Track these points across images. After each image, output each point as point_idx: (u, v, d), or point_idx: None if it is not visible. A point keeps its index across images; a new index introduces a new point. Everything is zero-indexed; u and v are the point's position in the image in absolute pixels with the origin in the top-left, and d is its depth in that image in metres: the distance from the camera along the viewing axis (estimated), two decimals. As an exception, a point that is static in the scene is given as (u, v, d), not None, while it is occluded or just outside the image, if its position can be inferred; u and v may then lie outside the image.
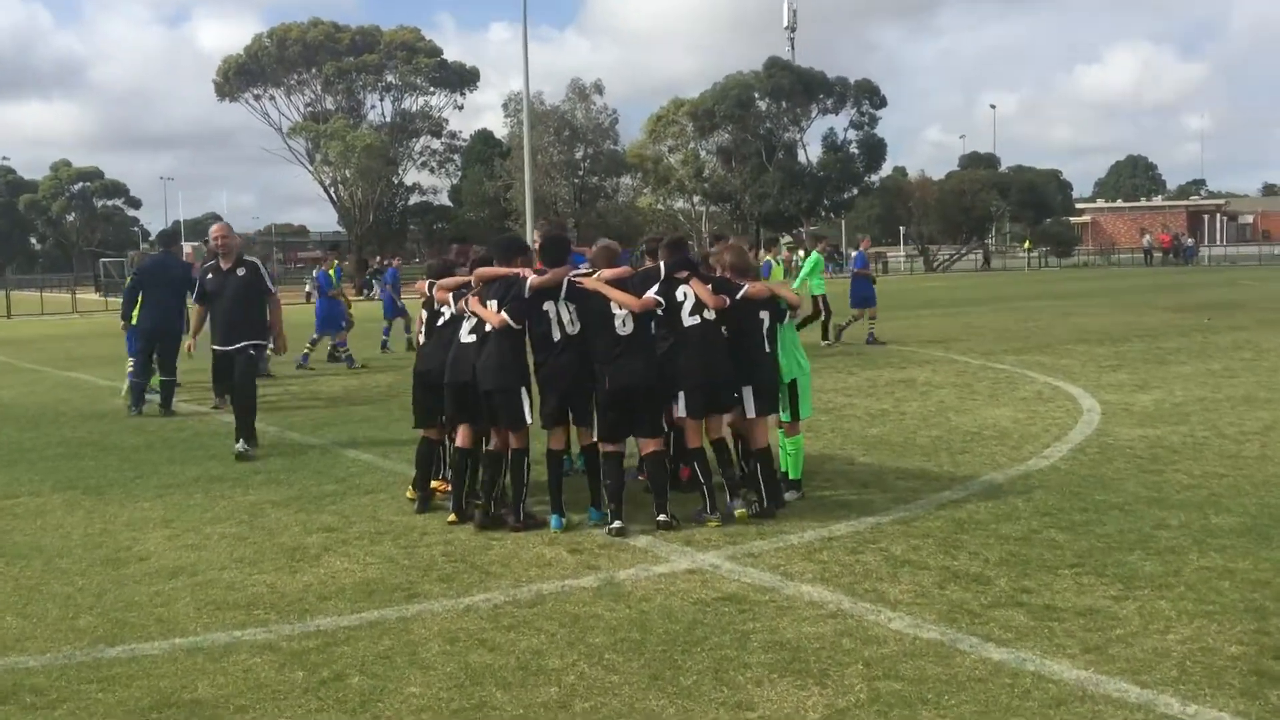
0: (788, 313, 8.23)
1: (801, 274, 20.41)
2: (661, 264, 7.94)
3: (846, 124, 72.61)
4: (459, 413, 8.09)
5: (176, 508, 8.71)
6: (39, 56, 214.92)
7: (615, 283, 7.76)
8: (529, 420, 7.85)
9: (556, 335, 7.74)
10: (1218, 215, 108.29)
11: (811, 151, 73.80)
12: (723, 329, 7.87)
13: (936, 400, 13.21)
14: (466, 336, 8.05)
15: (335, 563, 7.09)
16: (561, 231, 9.54)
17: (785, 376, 8.16)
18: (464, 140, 78.50)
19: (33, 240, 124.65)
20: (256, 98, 74.66)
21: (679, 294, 7.82)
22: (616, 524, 7.62)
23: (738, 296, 7.91)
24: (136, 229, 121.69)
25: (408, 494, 8.52)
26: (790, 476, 8.34)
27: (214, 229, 11.29)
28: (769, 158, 71.04)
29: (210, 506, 8.74)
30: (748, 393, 7.89)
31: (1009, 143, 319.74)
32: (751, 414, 7.94)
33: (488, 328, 7.81)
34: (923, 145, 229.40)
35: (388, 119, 75.85)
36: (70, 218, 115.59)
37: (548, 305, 7.76)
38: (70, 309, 47.67)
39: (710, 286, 7.86)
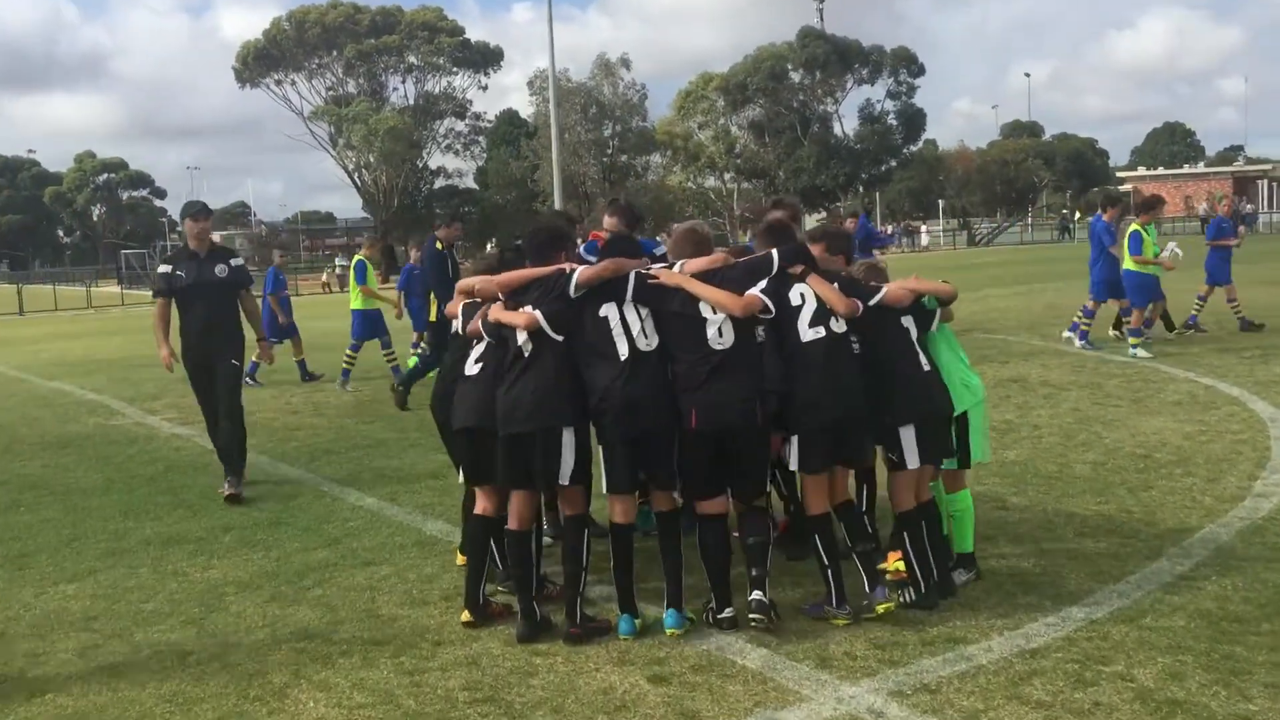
0: (936, 315, 5.86)
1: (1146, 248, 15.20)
2: (774, 254, 5.58)
3: (883, 94, 69.92)
4: (474, 469, 5.84)
5: (107, 595, 6.45)
6: (64, 50, 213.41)
7: (707, 277, 5.44)
8: (567, 478, 5.52)
9: (623, 352, 5.39)
10: (1265, 181, 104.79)
11: (847, 124, 71.17)
12: (854, 345, 5.55)
13: (1069, 407, 10.79)
14: (471, 368, 5.80)
15: (305, 706, 4.81)
16: (626, 222, 6.84)
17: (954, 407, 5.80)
18: (489, 121, 76.37)
19: (60, 233, 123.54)
20: (278, 83, 72.67)
21: (794, 295, 5.48)
22: (728, 612, 5.41)
23: (872, 302, 5.58)
24: (164, 219, 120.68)
25: (462, 618, 5.72)
26: (958, 549, 5.98)
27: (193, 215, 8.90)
28: (803, 131, 68.43)
29: (154, 591, 6.47)
30: (907, 434, 5.54)
31: (1041, 113, 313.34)
32: (914, 463, 5.60)
33: (519, 340, 5.50)
34: (953, 117, 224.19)
35: (410, 101, 73.83)
36: (96, 210, 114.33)
37: (607, 309, 5.45)
38: (85, 304, 45.69)
39: (836, 285, 5.54)
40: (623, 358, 5.39)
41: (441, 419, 6.21)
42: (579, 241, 6.84)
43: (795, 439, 5.43)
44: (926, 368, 5.63)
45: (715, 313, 5.33)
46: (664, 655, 5.16)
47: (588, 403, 5.51)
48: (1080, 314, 15.70)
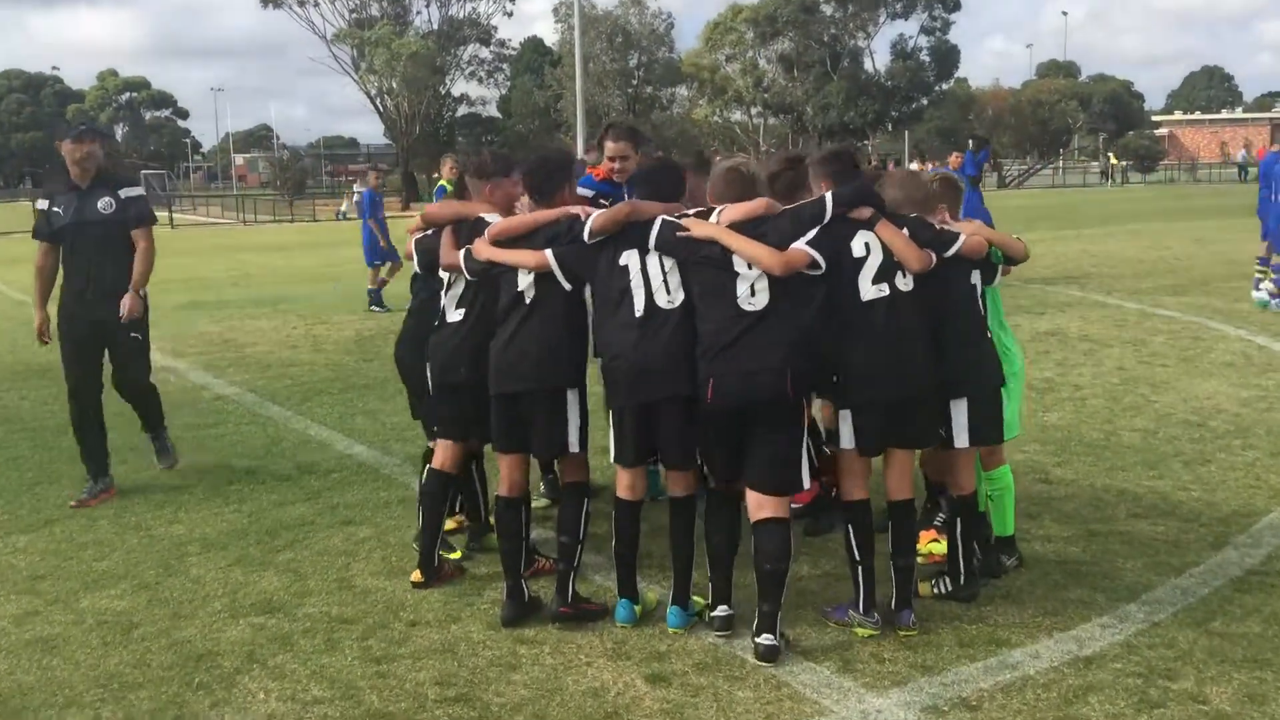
0: (998, 272, 5.14)
1: None
2: (827, 197, 4.77)
3: (916, 30, 68.13)
4: (453, 426, 5.28)
5: (59, 551, 5.87)
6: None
7: (746, 226, 4.69)
8: (578, 445, 4.91)
9: (639, 308, 4.68)
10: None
11: (879, 59, 69.51)
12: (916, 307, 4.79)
13: (1114, 365, 10.06)
14: (453, 313, 5.16)
15: (254, 698, 4.23)
16: (662, 164, 5.56)
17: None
18: (513, 49, 75.12)
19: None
20: (300, 3, 71.30)
21: (857, 245, 4.68)
22: (722, 610, 4.71)
23: (949, 253, 4.81)
24: (188, 140, 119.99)
25: (413, 577, 5.32)
26: (998, 533, 5.31)
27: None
28: (834, 66, 66.86)
29: (110, 549, 5.90)
30: (958, 409, 4.83)
31: (1076, 53, 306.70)
32: (963, 442, 4.90)
33: (521, 283, 4.84)
34: (985, 55, 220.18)
35: (434, 26, 72.46)
36: (119, 129, 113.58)
37: (628, 257, 4.73)
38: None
39: (907, 233, 4.77)
40: (638, 313, 4.69)
41: (409, 364, 5.60)
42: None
43: (847, 414, 4.69)
44: (987, 333, 4.92)
45: (750, 267, 4.60)
46: (665, 649, 4.55)
47: (588, 361, 4.90)
48: (1262, 267, 13.67)
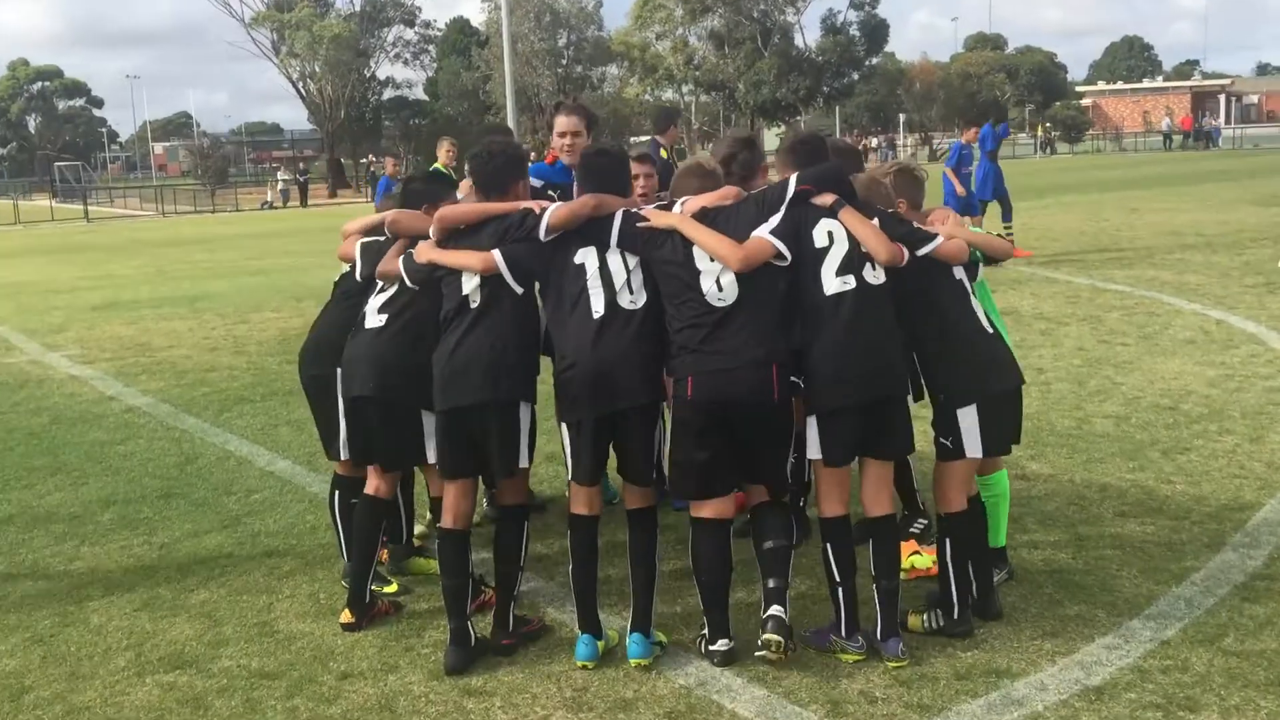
0: (980, 268, 4.69)
1: None
2: (791, 180, 4.33)
3: (845, 4, 67.97)
4: (365, 447, 4.75)
5: (-57, 599, 5.25)
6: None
7: (710, 218, 4.24)
8: (527, 461, 4.43)
9: (598, 309, 4.23)
10: (1224, 96, 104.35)
11: (809, 35, 69.36)
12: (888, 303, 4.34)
13: (1074, 346, 9.73)
14: (373, 318, 4.64)
15: (161, 781, 3.67)
16: (608, 152, 4.76)
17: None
18: (439, 30, 73.99)
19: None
20: (218, -15, 69.43)
21: (817, 235, 4.23)
22: (723, 645, 4.26)
23: (922, 252, 4.34)
24: (104, 130, 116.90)
25: (342, 618, 4.75)
26: (990, 543, 4.86)
27: None
28: (764, 43, 66.54)
29: (1, 595, 5.27)
30: (966, 416, 4.36)
31: (1000, 25, 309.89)
32: (975, 451, 4.42)
33: (466, 287, 4.34)
34: (911, 30, 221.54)
35: (357, 7, 70.99)
36: (32, 120, 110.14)
37: (584, 255, 4.28)
38: (13, 219, 43.36)
39: (876, 222, 4.32)
40: (597, 315, 4.22)
41: (312, 376, 5.05)
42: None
43: (813, 421, 4.25)
44: (990, 329, 4.47)
45: (713, 260, 4.14)
46: (631, 696, 4.05)
47: (542, 369, 4.42)
48: None
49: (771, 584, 4.22)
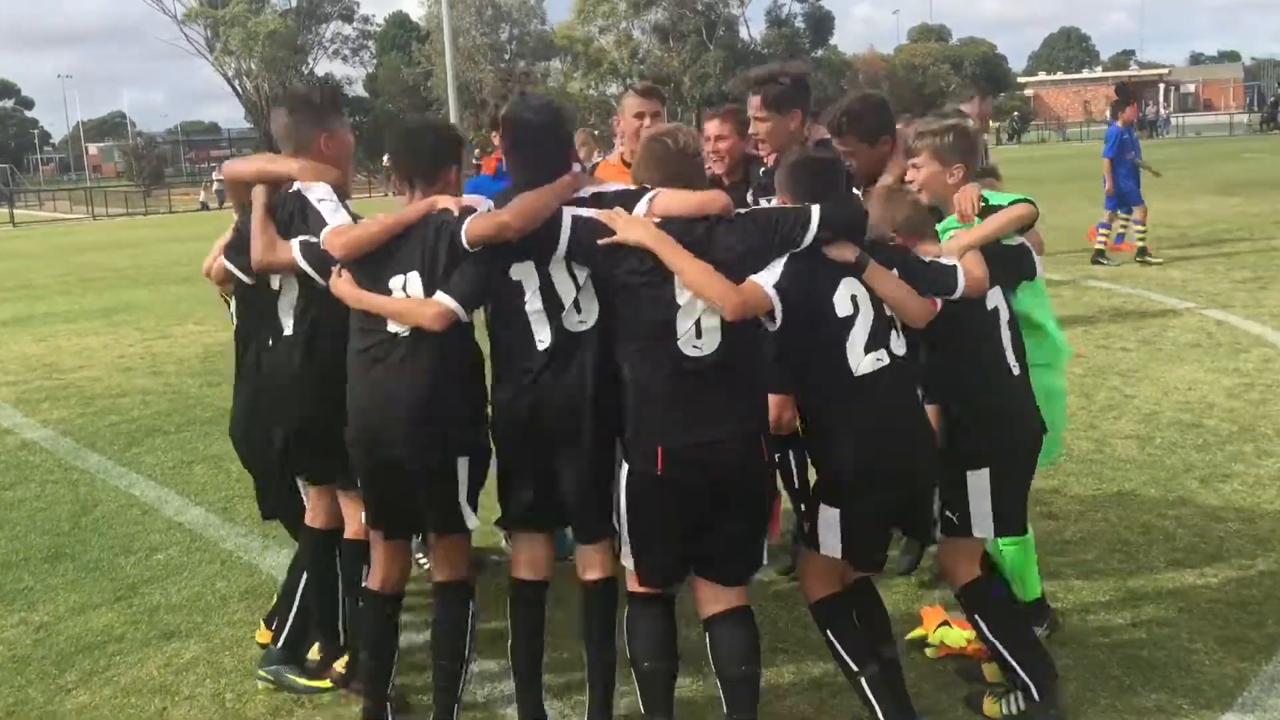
0: (1026, 262, 3.84)
1: None
2: (813, 215, 3.26)
3: (790, -4, 67.70)
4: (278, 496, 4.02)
5: None
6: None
7: (689, 228, 3.29)
8: (472, 523, 3.53)
9: (544, 339, 3.33)
10: (1162, 85, 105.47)
11: (754, 27, 69.02)
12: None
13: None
14: (286, 325, 3.81)
15: None
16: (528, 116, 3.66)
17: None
18: (378, 25, 72.86)
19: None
20: (150, -19, 67.57)
21: (839, 301, 3.28)
22: None
23: (957, 295, 3.45)
24: (35, 131, 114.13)
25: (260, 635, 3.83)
26: (1025, 596, 4.04)
27: None
28: (709, 35, 66.06)
29: None
30: (977, 483, 3.50)
31: (941, 17, 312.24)
32: (984, 530, 3.56)
33: (390, 326, 3.39)
34: (854, 24, 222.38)
35: (293, 3, 69.55)
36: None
37: (521, 271, 3.35)
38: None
39: (896, 272, 3.37)
40: (542, 346, 3.33)
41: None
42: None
43: (834, 516, 3.35)
44: (1015, 370, 3.62)
45: (684, 290, 3.23)
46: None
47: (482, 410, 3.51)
48: None
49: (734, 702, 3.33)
